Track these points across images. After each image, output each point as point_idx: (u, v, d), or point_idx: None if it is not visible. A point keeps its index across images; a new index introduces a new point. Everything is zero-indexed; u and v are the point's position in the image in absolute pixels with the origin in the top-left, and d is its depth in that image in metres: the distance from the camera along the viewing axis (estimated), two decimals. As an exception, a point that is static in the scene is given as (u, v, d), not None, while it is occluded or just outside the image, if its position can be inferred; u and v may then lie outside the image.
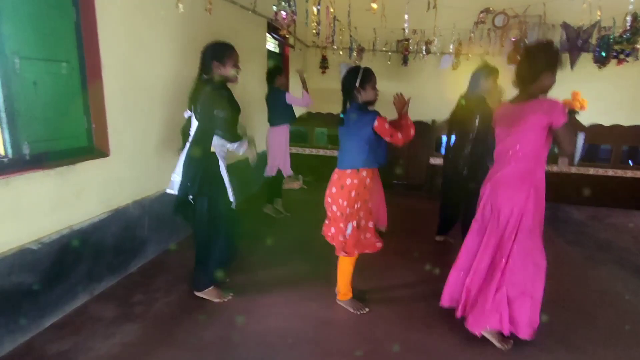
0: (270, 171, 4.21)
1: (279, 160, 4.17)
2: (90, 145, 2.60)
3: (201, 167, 2.39)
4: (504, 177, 2.21)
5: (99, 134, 2.61)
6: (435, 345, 2.25)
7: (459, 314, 2.37)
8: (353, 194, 2.35)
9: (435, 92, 7.09)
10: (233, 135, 2.44)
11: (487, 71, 3.22)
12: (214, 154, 2.43)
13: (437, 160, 5.51)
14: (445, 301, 2.47)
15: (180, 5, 2.89)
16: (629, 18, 4.19)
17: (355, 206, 2.38)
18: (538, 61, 2.11)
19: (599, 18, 4.35)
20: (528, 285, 2.16)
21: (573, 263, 3.50)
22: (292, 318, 2.46)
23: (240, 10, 4.27)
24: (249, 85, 4.56)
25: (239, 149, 2.54)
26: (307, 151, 6.00)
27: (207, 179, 2.41)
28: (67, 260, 2.35)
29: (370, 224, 2.53)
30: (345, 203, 2.36)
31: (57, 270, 2.28)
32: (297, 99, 4.06)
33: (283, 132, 4.15)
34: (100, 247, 2.60)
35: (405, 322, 2.46)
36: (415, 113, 6.47)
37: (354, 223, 2.40)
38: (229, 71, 2.43)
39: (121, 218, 2.77)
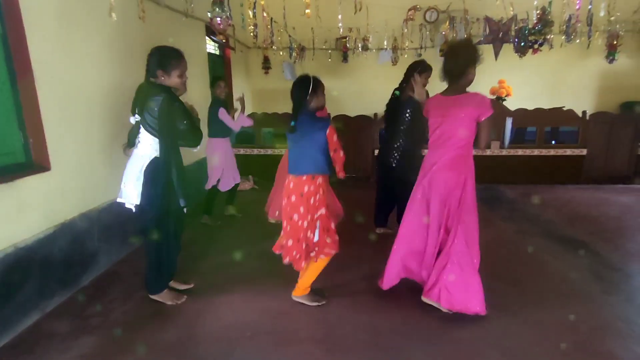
0: (209, 184, 4.16)
1: (216, 174, 4.10)
2: (28, 161, 2.54)
3: (163, 176, 2.41)
4: (444, 164, 2.44)
5: (37, 148, 2.55)
6: (383, 323, 2.44)
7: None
8: (312, 200, 2.40)
9: (377, 87, 7.39)
10: (196, 140, 2.47)
11: (423, 67, 3.37)
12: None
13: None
14: (386, 285, 2.69)
15: (113, 14, 2.87)
16: (535, 12, 4.67)
17: (319, 212, 2.44)
18: (463, 57, 2.36)
19: (512, 11, 4.80)
20: (475, 261, 2.43)
21: (506, 237, 3.85)
22: (249, 313, 2.56)
23: (177, 15, 4.26)
24: (189, 90, 4.53)
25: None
26: (256, 152, 6.07)
27: (164, 186, 2.42)
28: (14, 279, 2.29)
29: (333, 226, 2.58)
30: (305, 211, 2.40)
31: (3, 289, 2.23)
32: (229, 119, 3.95)
33: (220, 145, 4.07)
34: (49, 262, 2.55)
35: (356, 306, 2.64)
36: (358, 107, 6.81)
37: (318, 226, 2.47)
38: (174, 81, 2.41)
39: (68, 232, 2.73)
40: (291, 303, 2.66)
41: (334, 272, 3.06)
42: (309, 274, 2.60)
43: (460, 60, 2.36)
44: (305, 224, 2.41)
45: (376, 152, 5.90)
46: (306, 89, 2.36)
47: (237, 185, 4.35)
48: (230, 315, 2.53)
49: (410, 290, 2.72)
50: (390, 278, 2.69)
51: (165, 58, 2.37)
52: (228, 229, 4.15)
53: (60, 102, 2.67)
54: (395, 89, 3.56)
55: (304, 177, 2.40)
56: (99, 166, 3.06)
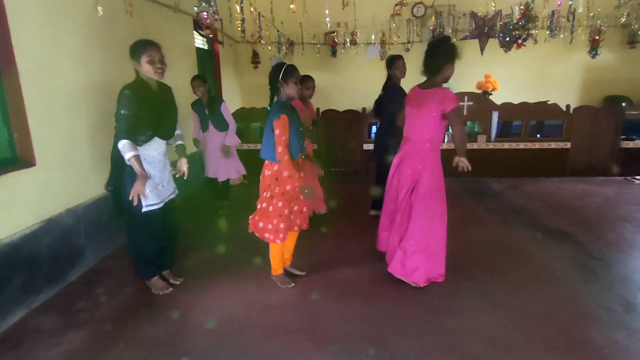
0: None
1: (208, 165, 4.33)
2: (13, 156, 2.52)
3: (117, 164, 2.48)
4: (409, 151, 2.66)
5: (22, 143, 2.53)
6: (371, 314, 2.49)
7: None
8: (269, 183, 2.54)
9: (365, 82, 7.41)
10: (119, 131, 2.32)
11: (390, 60, 3.67)
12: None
13: (370, 146, 5.81)
14: (380, 247, 3.06)
15: (99, 8, 2.84)
16: (517, 8, 4.75)
17: (274, 198, 2.54)
18: (440, 55, 2.51)
19: (494, 8, 4.87)
20: (424, 241, 2.63)
21: (492, 229, 3.92)
22: (237, 306, 2.58)
23: (164, 9, 4.21)
24: (177, 85, 4.50)
25: (124, 151, 2.30)
26: (245, 146, 6.05)
27: (127, 177, 2.45)
28: (-1, 275, 2.29)
29: (296, 208, 2.70)
30: (261, 189, 2.59)
31: (-11, 286, 2.22)
32: (195, 127, 4.26)
33: (207, 137, 4.21)
34: (35, 258, 2.54)
35: (344, 297, 2.68)
36: (347, 102, 6.83)
37: (285, 211, 2.57)
38: (145, 68, 2.39)
39: (54, 227, 2.71)
40: (279, 295, 2.70)
41: (320, 263, 3.12)
42: (270, 256, 2.76)
43: (438, 58, 2.51)
44: (265, 204, 2.59)
45: (365, 146, 5.99)
46: (277, 74, 2.46)
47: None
48: (219, 309, 2.55)
49: (396, 281, 2.77)
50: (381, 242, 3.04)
51: (132, 49, 2.40)
52: (217, 224, 4.14)
53: (45, 97, 2.65)
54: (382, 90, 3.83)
55: (267, 162, 2.56)
56: (85, 161, 3.04)
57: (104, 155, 3.07)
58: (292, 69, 2.48)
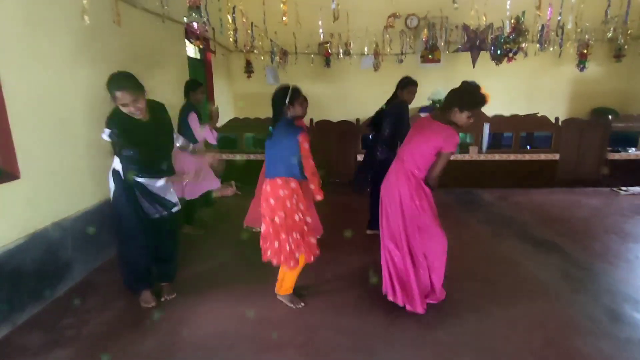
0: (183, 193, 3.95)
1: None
2: (-4, 169, 2.47)
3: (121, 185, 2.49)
4: (398, 175, 2.56)
5: (5, 156, 2.48)
6: (364, 328, 2.47)
7: (390, 297, 2.66)
8: (288, 204, 2.46)
9: (359, 93, 7.48)
10: (127, 172, 2.44)
11: (404, 83, 3.63)
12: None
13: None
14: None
15: (86, 17, 2.79)
16: (507, 22, 4.84)
17: (297, 216, 2.49)
18: (454, 96, 2.43)
19: (484, 21, 4.95)
20: (431, 260, 2.60)
21: (482, 240, 3.94)
22: (230, 320, 2.55)
23: (154, 18, 4.18)
24: (166, 96, 4.45)
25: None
26: (238, 156, 6.03)
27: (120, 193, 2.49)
28: (-18, 292, 2.23)
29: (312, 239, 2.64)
30: (283, 214, 2.47)
31: (-29, 303, 2.16)
32: (196, 127, 3.77)
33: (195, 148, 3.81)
34: (19, 274, 2.48)
35: (337, 311, 2.66)
36: (340, 113, 6.84)
37: (296, 234, 2.51)
38: (124, 109, 2.34)
39: (40, 242, 2.65)
40: (272, 309, 2.67)
41: (315, 276, 3.09)
42: (287, 278, 2.66)
43: (453, 96, 2.43)
44: (285, 226, 2.49)
45: (358, 157, 5.99)
46: (284, 97, 2.50)
47: (195, 200, 4.06)
48: (211, 323, 2.52)
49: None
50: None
51: (109, 86, 2.31)
52: (209, 236, 4.11)
53: (30, 108, 2.60)
54: (384, 104, 3.78)
55: (279, 181, 2.48)
56: (72, 174, 2.98)
57: (92, 167, 3.05)
58: (297, 92, 2.56)
